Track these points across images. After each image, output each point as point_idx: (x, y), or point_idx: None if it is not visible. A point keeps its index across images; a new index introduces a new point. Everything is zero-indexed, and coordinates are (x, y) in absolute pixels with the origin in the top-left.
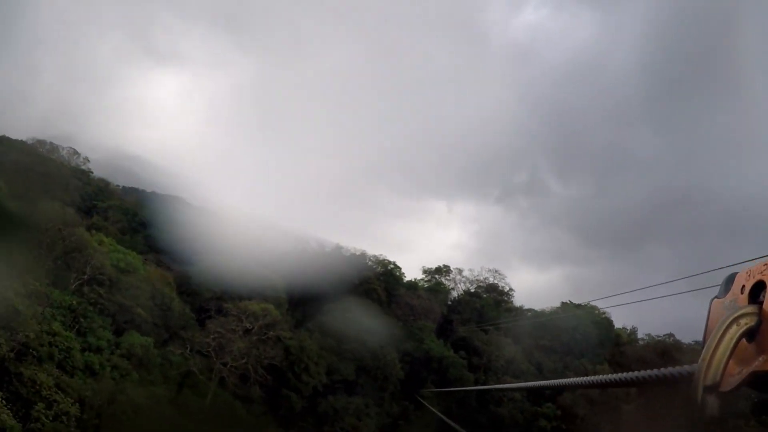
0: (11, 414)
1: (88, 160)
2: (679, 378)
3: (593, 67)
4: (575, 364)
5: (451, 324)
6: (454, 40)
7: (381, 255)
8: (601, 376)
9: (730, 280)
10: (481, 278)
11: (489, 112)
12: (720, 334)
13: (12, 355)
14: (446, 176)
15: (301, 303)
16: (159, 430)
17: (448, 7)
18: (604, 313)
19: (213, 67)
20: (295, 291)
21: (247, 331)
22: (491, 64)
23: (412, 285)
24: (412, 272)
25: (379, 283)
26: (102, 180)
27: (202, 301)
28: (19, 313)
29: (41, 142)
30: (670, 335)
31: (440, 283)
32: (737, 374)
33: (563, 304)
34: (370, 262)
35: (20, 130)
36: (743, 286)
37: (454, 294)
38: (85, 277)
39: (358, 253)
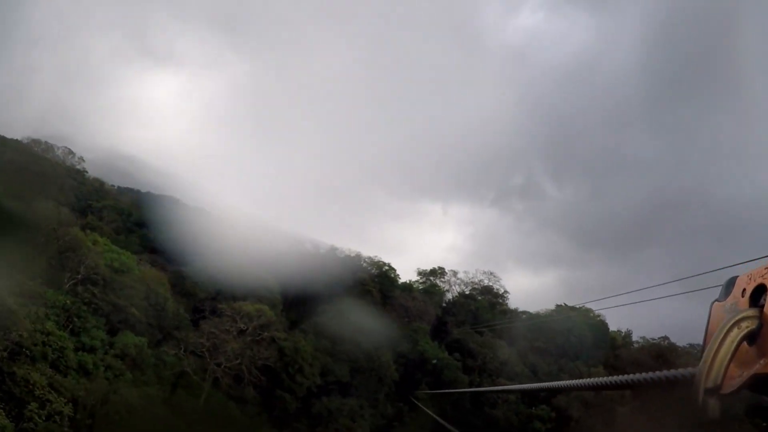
0: (4, 413)
1: (83, 160)
2: (680, 380)
3: (589, 70)
4: (570, 367)
5: (446, 326)
6: (450, 43)
7: (376, 256)
8: (601, 378)
9: (731, 283)
10: (476, 280)
11: (485, 114)
12: (721, 337)
13: (5, 354)
14: (442, 178)
15: (296, 304)
16: (152, 431)
17: (445, 10)
18: (598, 315)
19: (209, 68)
20: (289, 292)
21: (241, 332)
22: (488, 66)
23: (407, 287)
24: (407, 274)
25: (374, 284)
26: (97, 180)
27: (197, 302)
28: (12, 313)
29: (36, 142)
30: (665, 338)
31: (435, 285)
32: (738, 377)
33: (558, 306)
34: (365, 264)
35: (15, 130)
36: (744, 290)
37: (449, 296)
38: (79, 276)
39: (353, 254)
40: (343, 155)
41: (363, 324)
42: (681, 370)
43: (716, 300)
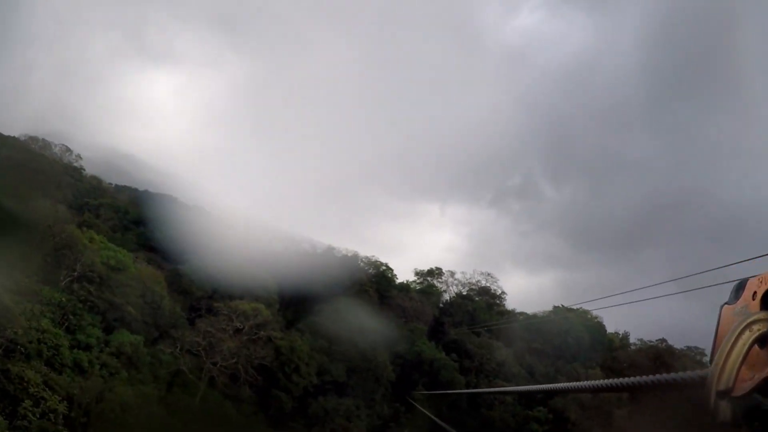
0: None
1: (81, 158)
2: (691, 383)
3: (588, 70)
4: (567, 368)
5: (443, 326)
6: (449, 43)
7: (373, 256)
8: (610, 380)
9: (741, 286)
10: (474, 281)
11: (483, 115)
12: (733, 339)
13: (0, 351)
14: (439, 179)
15: (293, 303)
16: (148, 430)
17: (443, 10)
18: (596, 317)
19: (207, 67)
20: (286, 291)
21: (237, 331)
22: (486, 66)
23: (404, 287)
24: (404, 274)
25: (371, 284)
26: (94, 178)
27: (193, 300)
28: (7, 310)
29: (34, 139)
30: (663, 340)
31: (432, 286)
32: (749, 380)
33: (555, 307)
34: (362, 264)
35: (13, 127)
36: (755, 293)
37: (446, 296)
38: (75, 274)
39: (350, 254)
40: (341, 155)
41: (360, 324)
42: (692, 373)
43: (726, 303)
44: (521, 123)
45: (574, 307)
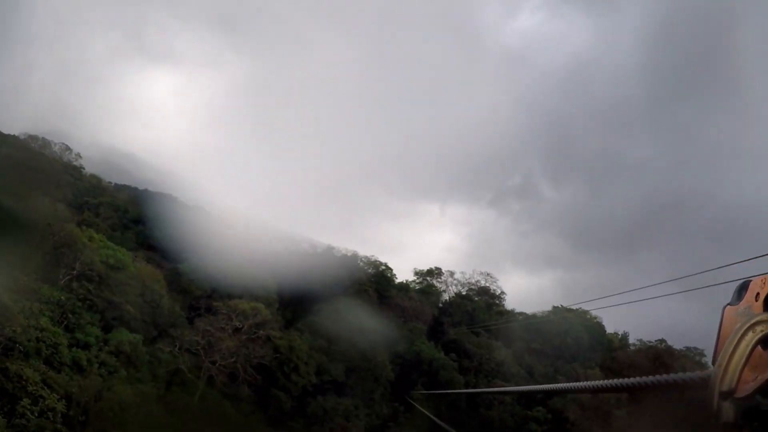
0: None
1: (81, 157)
2: (693, 384)
3: (588, 70)
4: (566, 368)
5: (442, 326)
6: (449, 44)
7: (373, 256)
8: (613, 380)
9: (744, 287)
10: (473, 281)
11: (483, 115)
12: (736, 340)
13: None
14: (439, 178)
15: (292, 303)
16: (146, 428)
17: (444, 11)
18: (595, 317)
19: (207, 67)
20: (285, 291)
21: (236, 330)
22: (486, 67)
23: (404, 287)
24: (403, 274)
25: (370, 284)
26: (94, 177)
27: (192, 299)
28: (6, 308)
29: (33, 138)
30: (662, 341)
31: (432, 285)
32: (752, 381)
33: (555, 308)
34: (361, 263)
35: (13, 126)
36: (758, 294)
37: (446, 296)
38: (75, 272)
39: (349, 254)
40: (341, 155)
41: (359, 323)
42: (695, 374)
43: (728, 304)
44: (521, 123)
45: (574, 308)
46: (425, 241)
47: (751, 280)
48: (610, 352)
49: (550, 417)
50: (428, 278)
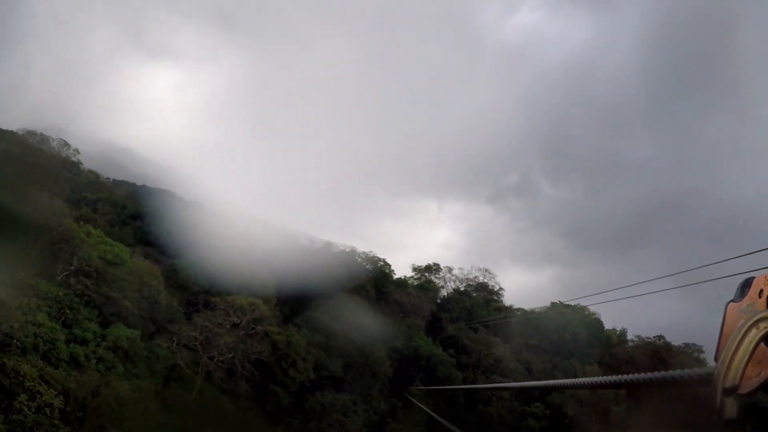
0: None
1: (79, 152)
2: (697, 380)
3: (588, 69)
4: (564, 365)
5: (441, 322)
6: (448, 41)
7: (371, 252)
8: (613, 377)
9: (747, 284)
10: (471, 277)
11: (482, 112)
12: (740, 337)
13: None
14: (437, 176)
15: (290, 299)
16: (144, 424)
17: (443, 8)
18: (593, 313)
19: (206, 63)
20: (283, 287)
21: (234, 326)
22: (486, 65)
23: (402, 282)
24: (402, 271)
25: (368, 280)
26: (92, 172)
27: (190, 295)
28: (4, 304)
29: (32, 133)
30: (660, 337)
31: (430, 281)
32: (755, 377)
33: (553, 304)
34: (359, 259)
35: (11, 121)
36: (761, 290)
37: (444, 292)
38: (72, 268)
39: (347, 250)
40: (339, 152)
41: (357, 319)
42: (698, 370)
43: (731, 300)
44: (520, 121)
45: (572, 303)
46: (423, 238)
47: (754, 277)
48: (608, 348)
49: (549, 413)
50: (426, 274)
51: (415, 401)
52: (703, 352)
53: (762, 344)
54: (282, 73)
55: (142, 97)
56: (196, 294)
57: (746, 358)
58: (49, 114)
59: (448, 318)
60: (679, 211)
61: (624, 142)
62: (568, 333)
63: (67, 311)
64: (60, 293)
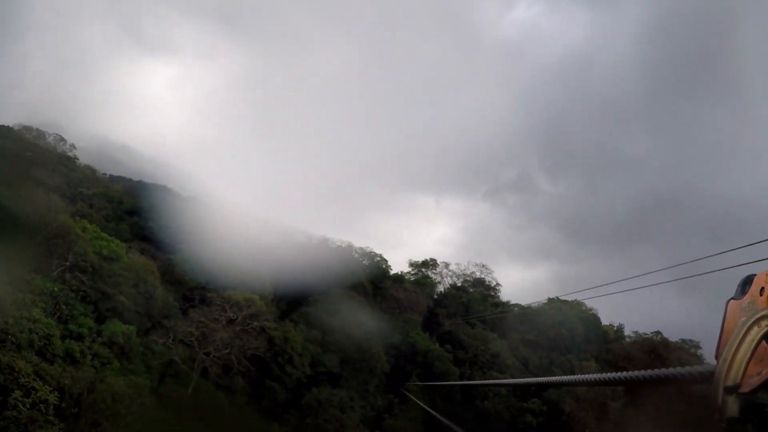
0: None
1: (75, 148)
2: (698, 378)
3: (586, 65)
4: (561, 360)
5: (437, 317)
6: (446, 37)
7: (368, 247)
8: (612, 374)
9: (748, 281)
10: (468, 272)
11: (480, 108)
12: (741, 335)
13: None
14: (435, 172)
15: (287, 294)
16: (140, 420)
17: (441, 4)
18: (590, 309)
19: (204, 59)
20: (280, 282)
21: (230, 321)
22: (483, 61)
23: (399, 278)
24: (399, 266)
25: (365, 275)
26: (88, 168)
27: (186, 291)
28: None
29: (28, 129)
30: (658, 333)
31: (427, 277)
32: (757, 375)
33: (550, 299)
34: (356, 255)
35: (7, 117)
36: (762, 288)
37: (441, 288)
38: (68, 263)
39: (344, 246)
40: (337, 148)
41: (354, 315)
42: (699, 368)
43: (732, 298)
44: (518, 117)
45: (569, 299)
46: (420, 234)
47: (755, 275)
48: (605, 344)
49: (546, 409)
50: (423, 270)
51: (411, 397)
52: (700, 348)
53: (763, 342)
54: (280, 69)
55: (139, 92)
56: (192, 290)
57: (748, 356)
58: (45, 109)
59: (445, 314)
60: (677, 207)
61: (622, 139)
62: (565, 329)
63: (63, 307)
64: (55, 289)
